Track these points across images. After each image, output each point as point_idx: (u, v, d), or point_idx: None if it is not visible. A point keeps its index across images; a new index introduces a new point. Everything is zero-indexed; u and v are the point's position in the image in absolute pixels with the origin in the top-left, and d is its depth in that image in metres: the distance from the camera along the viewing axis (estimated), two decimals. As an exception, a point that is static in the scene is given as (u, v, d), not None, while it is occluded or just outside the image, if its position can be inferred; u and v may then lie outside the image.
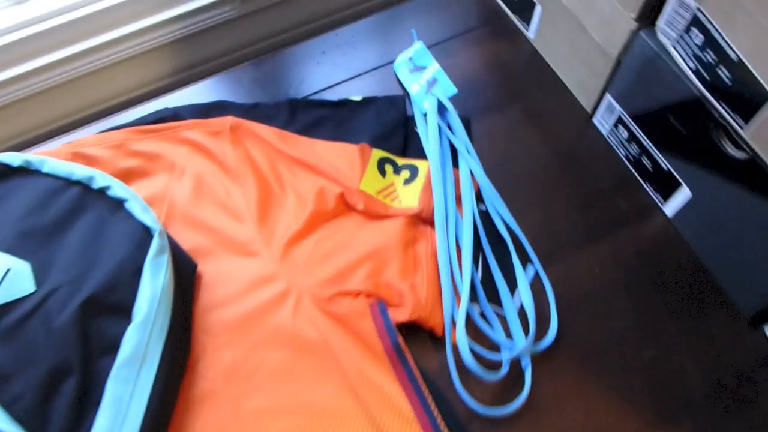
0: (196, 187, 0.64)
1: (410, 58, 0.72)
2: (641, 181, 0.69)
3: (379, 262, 0.60)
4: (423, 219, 0.63)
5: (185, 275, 0.58)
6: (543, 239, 0.65)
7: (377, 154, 0.66)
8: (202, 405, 0.55)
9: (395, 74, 0.73)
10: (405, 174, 0.66)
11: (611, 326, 0.60)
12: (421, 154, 0.68)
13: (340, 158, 0.65)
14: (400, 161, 0.67)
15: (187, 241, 0.61)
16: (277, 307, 0.58)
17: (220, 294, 0.59)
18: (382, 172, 0.65)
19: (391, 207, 0.63)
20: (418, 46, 0.72)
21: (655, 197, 0.67)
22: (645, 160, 0.67)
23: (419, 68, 0.70)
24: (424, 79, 0.68)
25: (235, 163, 0.65)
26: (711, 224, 0.62)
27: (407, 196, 0.64)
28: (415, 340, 0.59)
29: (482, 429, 0.56)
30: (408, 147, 0.69)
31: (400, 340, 0.56)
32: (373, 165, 0.65)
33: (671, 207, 0.66)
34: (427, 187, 0.63)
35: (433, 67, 0.71)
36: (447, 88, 0.70)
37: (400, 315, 0.57)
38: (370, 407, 0.54)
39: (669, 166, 0.64)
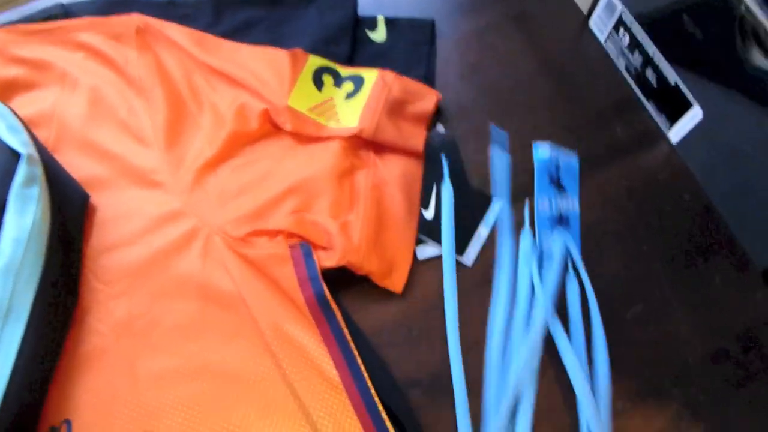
0: (92, 103, 0.53)
1: (557, 166, 0.53)
2: (643, 100, 0.56)
3: (307, 195, 0.49)
4: (365, 142, 0.51)
5: (71, 210, 0.48)
6: (519, 168, 0.53)
7: (314, 62, 0.54)
8: (91, 364, 0.46)
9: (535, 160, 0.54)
10: (348, 87, 0.54)
11: (593, 277, 0.49)
12: (373, 63, 0.55)
13: (267, 67, 0.53)
14: (344, 71, 0.55)
15: (80, 170, 0.51)
16: (183, 249, 0.49)
17: (116, 233, 0.50)
18: (319, 85, 0.53)
19: (326, 127, 0.51)
20: (575, 161, 0.54)
21: (659, 120, 0.55)
22: (649, 73, 0.54)
23: (560, 183, 0.53)
24: (559, 206, 0.52)
25: (140, 74, 0.53)
26: (725, 154, 0.50)
27: (348, 114, 0.52)
28: (347, 291, 0.49)
29: (423, 395, 0.46)
30: (356, 54, 0.56)
31: (326, 290, 0.46)
32: (307, 76, 0.53)
33: (678, 132, 0.53)
34: (372, 101, 0.51)
35: (573, 205, 0.52)
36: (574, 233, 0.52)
37: (327, 260, 0.47)
38: (288, 369, 0.45)
39: (677, 81, 0.51)
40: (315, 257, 0.47)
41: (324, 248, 0.48)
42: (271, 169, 0.51)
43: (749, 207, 0.50)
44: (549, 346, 0.47)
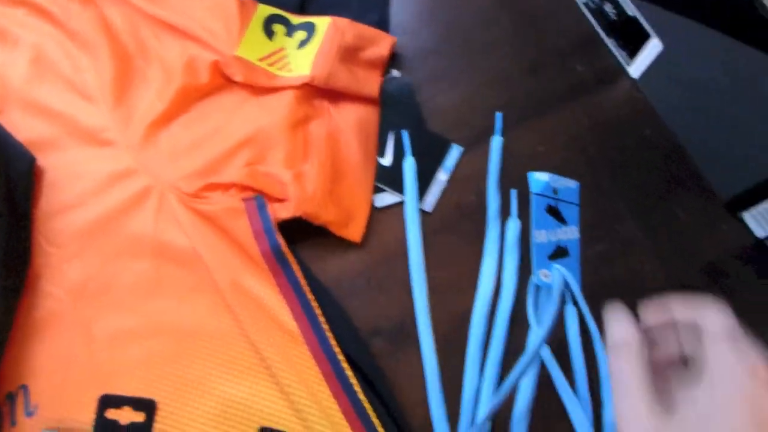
0: (35, 60, 0.51)
1: (555, 194, 0.49)
2: (603, 36, 0.54)
3: (260, 147, 0.48)
4: (319, 91, 0.50)
5: (17, 173, 0.47)
6: (477, 111, 0.52)
7: (264, 10, 0.52)
8: (46, 329, 0.45)
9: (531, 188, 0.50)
10: (300, 35, 0.52)
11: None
12: (326, 11, 0.53)
13: (215, 17, 0.51)
14: (296, 20, 0.53)
15: (25, 130, 0.49)
16: (136, 208, 0.48)
17: (66, 195, 0.48)
18: (269, 34, 0.52)
19: (278, 77, 0.50)
20: (573, 185, 0.50)
21: (620, 56, 0.53)
22: (607, 7, 0.52)
23: (558, 213, 0.49)
24: (557, 237, 0.48)
25: (84, 29, 0.51)
26: (685, 87, 0.49)
27: (300, 63, 0.50)
28: (305, 243, 0.48)
29: (386, 344, 0.46)
30: (308, 3, 0.55)
31: (281, 242, 0.45)
32: (257, 24, 0.51)
33: (638, 67, 0.52)
34: (324, 48, 0.49)
35: (573, 233, 0.49)
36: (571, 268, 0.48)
37: (282, 211, 0.46)
38: (246, 323, 0.44)
39: (636, 13, 0.49)
40: (270, 209, 0.46)
41: (279, 200, 0.47)
42: (224, 123, 0.49)
43: (711, 139, 0.49)
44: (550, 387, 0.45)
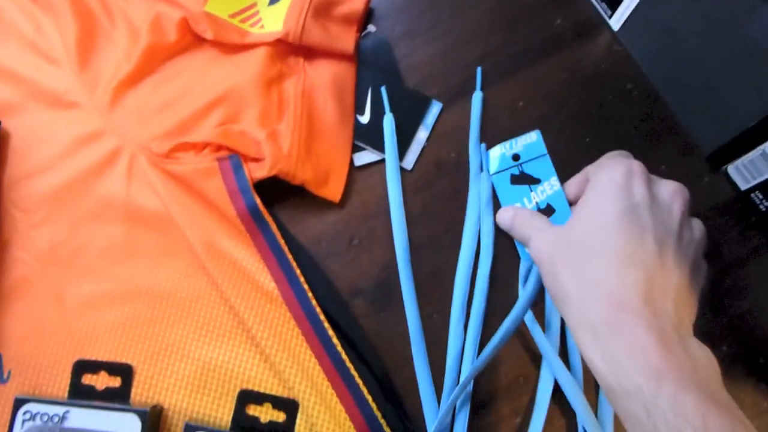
0: (-5, 22, 0.49)
1: (514, 154, 0.46)
2: (583, -13, 0.53)
3: (233, 106, 0.46)
4: (293, 48, 0.48)
5: (-20, 136, 0.45)
6: (455, 66, 0.51)
7: (234, -35, 0.51)
8: (16, 295, 0.44)
9: (484, 164, 0.47)
10: (272, -10, 0.50)
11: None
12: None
13: (182, -28, 0.49)
14: (267, -25, 0.51)
15: (-13, 94, 0.47)
16: (106, 170, 0.46)
17: (33, 159, 0.47)
18: (240, -11, 0.50)
19: (250, 33, 0.48)
20: (534, 137, 0.47)
21: (600, 8, 0.52)
22: (587, -43, 0.51)
23: (526, 176, 0.46)
24: (535, 200, 0.45)
25: (45, -11, 0.49)
26: (665, 37, 0.48)
27: (272, 19, 0.49)
28: (283, 203, 0.47)
29: (367, 304, 0.45)
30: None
31: (258, 201, 0.44)
32: (226, -20, 0.50)
33: (618, 18, 0.51)
34: (296, 3, 0.48)
35: (551, 186, 0.45)
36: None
37: (258, 170, 0.45)
38: (224, 286, 0.43)
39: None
40: (245, 169, 0.45)
41: (255, 160, 0.45)
42: (195, 82, 0.48)
43: (692, 90, 0.48)
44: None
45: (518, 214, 0.43)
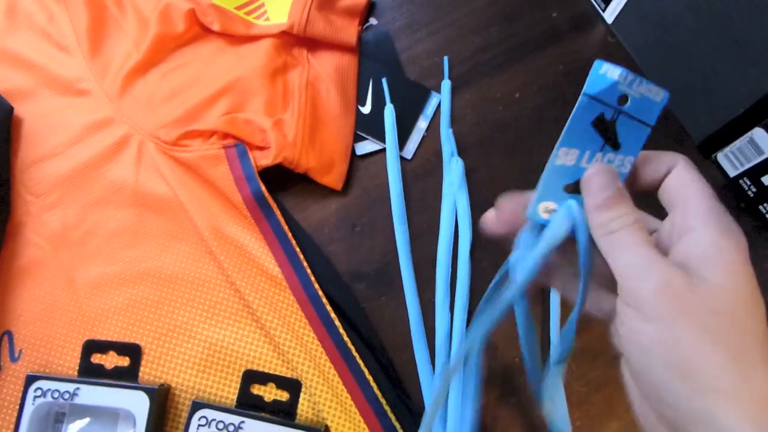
0: (8, 12, 0.51)
1: (623, 94, 0.29)
2: (580, -18, 0.55)
3: (239, 95, 0.48)
4: (298, 40, 0.50)
5: (-6, 122, 0.46)
6: (455, 59, 0.52)
7: (240, -41, 0.52)
8: (29, 276, 0.46)
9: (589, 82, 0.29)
10: (277, -16, 0.52)
11: (529, 164, 0.49)
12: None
13: (190, -35, 0.51)
14: (272, -32, 0.53)
15: (1, 82, 0.49)
16: (116, 156, 0.48)
17: (45, 144, 0.48)
18: (246, -18, 0.51)
19: (256, 25, 0.50)
20: (660, 96, 0.29)
21: (595, 1, 0.54)
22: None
23: (613, 131, 0.30)
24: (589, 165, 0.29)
25: (56, -21, 0.51)
26: (656, 29, 0.49)
27: (277, 11, 0.50)
28: (287, 191, 0.48)
29: (369, 288, 0.47)
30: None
31: (263, 188, 0.45)
32: (232, -27, 0.51)
33: (612, 11, 0.52)
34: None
35: (623, 164, 0.30)
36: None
37: (263, 158, 0.46)
38: (230, 270, 0.45)
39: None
40: (251, 156, 0.46)
41: (260, 148, 0.47)
42: (202, 72, 0.49)
43: (684, 81, 0.49)
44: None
45: (614, 205, 0.27)
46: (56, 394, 0.42)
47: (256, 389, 0.44)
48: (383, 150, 0.49)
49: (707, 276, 0.25)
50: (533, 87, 0.51)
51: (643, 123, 0.30)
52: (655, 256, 0.26)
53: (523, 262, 0.29)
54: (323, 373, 0.43)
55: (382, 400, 0.43)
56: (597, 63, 0.28)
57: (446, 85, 0.51)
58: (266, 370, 0.44)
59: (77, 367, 0.44)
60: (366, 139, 0.50)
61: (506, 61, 0.52)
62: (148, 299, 0.45)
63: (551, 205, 0.29)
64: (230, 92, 0.48)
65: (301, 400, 0.43)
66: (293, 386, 0.44)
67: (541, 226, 0.29)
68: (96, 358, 0.44)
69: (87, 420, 0.43)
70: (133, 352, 0.44)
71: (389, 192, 0.48)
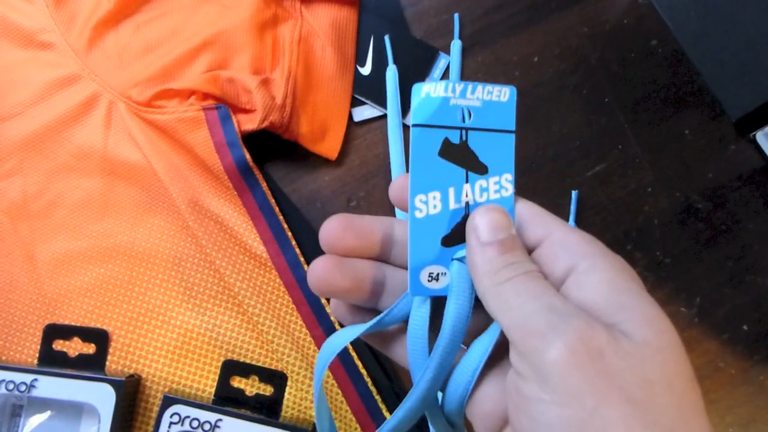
0: (-39, -49, 0.44)
1: (464, 113, 0.24)
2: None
3: (223, 51, 0.42)
4: (289, -10, 0.44)
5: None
6: (466, 17, 0.46)
7: None
8: (-17, 252, 0.40)
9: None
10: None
11: (550, 133, 0.45)
12: None
13: None
14: None
15: (-48, 31, 0.43)
16: (82, 118, 0.42)
17: (2, 103, 0.43)
18: (232, -77, 0.45)
19: (242, -28, 0.44)
20: (505, 95, 0.24)
21: (625, -43, 0.48)
22: None
23: (469, 153, 0.24)
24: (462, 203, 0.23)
25: None
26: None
27: (267, -43, 0.44)
28: (275, 160, 0.43)
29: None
30: None
31: (247, 156, 0.40)
32: None
33: (645, -32, 0.47)
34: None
35: (501, 186, 0.24)
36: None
37: (248, 122, 0.41)
38: (209, 248, 0.40)
39: None
40: (234, 120, 0.41)
41: (245, 111, 0.41)
42: (182, 23, 0.44)
43: (722, 50, 0.44)
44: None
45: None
46: (11, 386, 0.37)
47: (237, 382, 0.39)
48: (384, 116, 0.44)
49: (627, 329, 0.19)
50: (554, 50, 0.46)
51: (501, 131, 0.24)
52: (563, 304, 0.19)
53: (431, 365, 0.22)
54: (312, 365, 0.39)
55: (377, 397, 0.39)
56: (415, 86, 0.23)
57: (456, 45, 0.45)
58: (248, 361, 0.40)
59: (37, 354, 0.39)
60: (365, 103, 0.44)
61: (524, 21, 0.46)
62: (118, 279, 0.40)
63: (436, 269, 0.23)
64: (212, 47, 0.42)
65: (286, 395, 0.39)
66: (278, 379, 0.39)
67: (431, 298, 0.23)
68: (58, 345, 0.39)
69: (47, 414, 0.38)
70: (100, 338, 0.39)
71: (389, 163, 0.43)
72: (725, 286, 0.43)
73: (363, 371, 0.39)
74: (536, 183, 0.44)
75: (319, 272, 0.24)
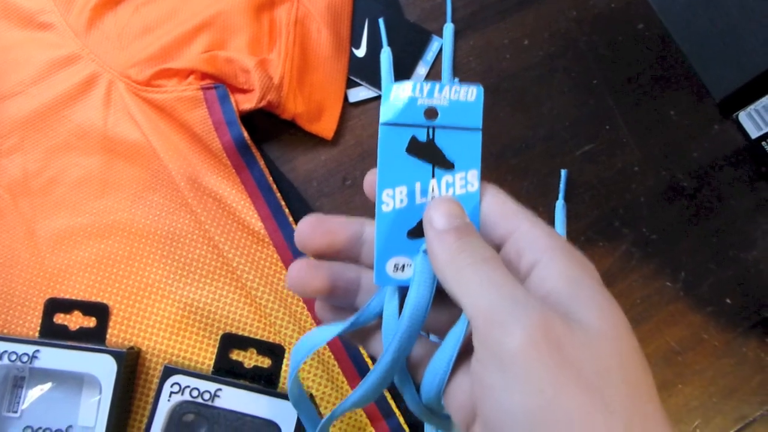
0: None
1: (429, 107, 0.25)
2: None
3: (221, 31, 0.43)
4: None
5: (-57, 55, 0.41)
6: (455, 2, 0.47)
7: None
8: (-16, 228, 0.41)
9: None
10: None
11: (540, 114, 0.46)
12: None
13: None
14: None
15: (-48, 11, 0.43)
16: (82, 97, 0.43)
17: (3, 82, 0.44)
18: None
19: (240, -46, 0.45)
20: (472, 95, 0.25)
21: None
22: None
23: (435, 150, 0.25)
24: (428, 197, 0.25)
25: None
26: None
27: (264, -59, 0.45)
28: (272, 140, 0.44)
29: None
30: None
31: (245, 134, 0.41)
32: None
33: (632, -46, 0.48)
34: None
35: (467, 182, 0.25)
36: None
37: (246, 102, 0.42)
38: (207, 224, 0.41)
39: None
40: (232, 99, 0.42)
41: (242, 90, 0.42)
42: (180, 4, 0.44)
43: (706, 33, 0.45)
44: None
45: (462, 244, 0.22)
46: (14, 357, 0.38)
47: (235, 354, 0.40)
48: (378, 97, 0.45)
49: (583, 319, 0.20)
50: (544, 33, 0.47)
51: (468, 129, 0.25)
52: (523, 294, 0.20)
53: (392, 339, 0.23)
54: (309, 337, 0.39)
55: (368, 360, 0.40)
56: (386, 87, 0.25)
57: (449, 28, 0.46)
58: (246, 334, 0.40)
59: (38, 328, 0.40)
60: (360, 84, 0.45)
61: (515, 6, 0.48)
62: (118, 254, 0.41)
63: (402, 260, 0.25)
64: (210, 28, 0.43)
65: (284, 366, 0.40)
66: (276, 351, 0.40)
67: (399, 288, 0.24)
68: (59, 318, 0.40)
69: (49, 385, 0.39)
70: (100, 312, 0.40)
71: (384, 143, 0.44)
72: (709, 261, 0.44)
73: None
74: (527, 163, 0.45)
75: (294, 274, 0.25)
